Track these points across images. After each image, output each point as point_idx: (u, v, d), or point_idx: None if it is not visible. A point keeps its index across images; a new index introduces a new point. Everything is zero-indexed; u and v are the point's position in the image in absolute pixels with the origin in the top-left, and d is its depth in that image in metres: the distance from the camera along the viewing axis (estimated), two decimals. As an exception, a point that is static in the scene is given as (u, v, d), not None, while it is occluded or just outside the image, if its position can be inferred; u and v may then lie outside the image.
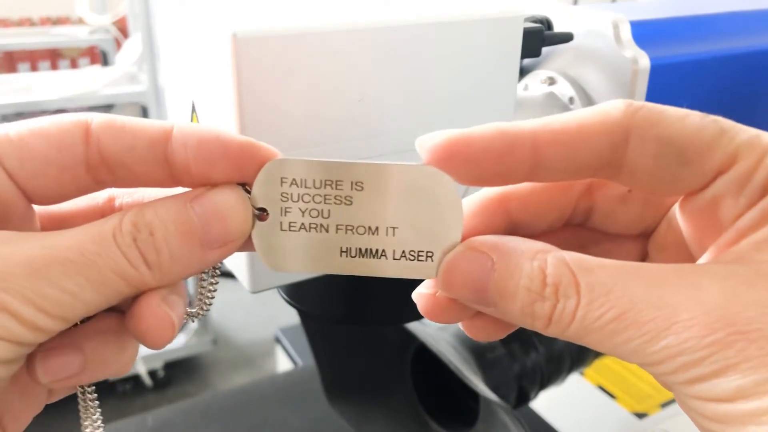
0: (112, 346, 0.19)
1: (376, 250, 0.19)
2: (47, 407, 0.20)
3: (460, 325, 0.20)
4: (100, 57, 2.81)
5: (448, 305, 0.19)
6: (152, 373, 1.58)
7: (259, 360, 1.72)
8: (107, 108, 2.88)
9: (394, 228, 0.19)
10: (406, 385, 0.52)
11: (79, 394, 0.20)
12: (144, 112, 1.83)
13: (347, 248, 0.19)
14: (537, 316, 0.17)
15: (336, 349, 0.52)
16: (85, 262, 0.16)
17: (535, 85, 0.35)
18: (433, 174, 0.18)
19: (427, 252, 0.19)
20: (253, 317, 1.86)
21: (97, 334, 0.19)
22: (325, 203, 0.18)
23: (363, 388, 0.53)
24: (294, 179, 0.18)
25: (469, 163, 0.17)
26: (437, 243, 0.19)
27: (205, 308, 0.21)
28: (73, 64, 3.03)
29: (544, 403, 0.63)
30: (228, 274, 0.29)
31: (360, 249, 0.19)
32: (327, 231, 0.19)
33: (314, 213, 0.19)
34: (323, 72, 0.24)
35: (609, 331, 0.16)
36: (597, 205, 0.20)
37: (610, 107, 0.17)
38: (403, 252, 0.19)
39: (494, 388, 0.46)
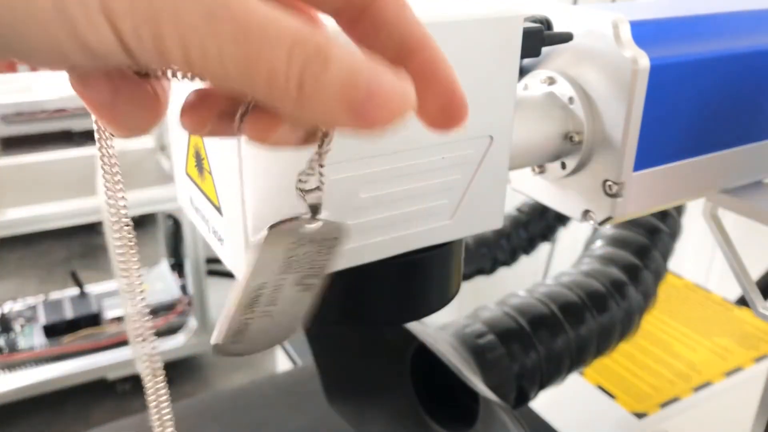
0: (142, 98, 0.19)
1: None
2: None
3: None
4: (99, 57, 2.80)
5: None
6: (152, 373, 1.58)
7: (259, 360, 1.71)
8: (107, 108, 2.87)
9: None
10: (406, 385, 0.52)
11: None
12: (144, 112, 1.83)
13: None
14: None
15: (336, 349, 0.52)
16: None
17: (535, 84, 0.35)
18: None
19: None
20: (253, 317, 1.86)
21: (135, 85, 0.18)
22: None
23: (363, 388, 0.53)
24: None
25: None
26: None
27: (321, 182, 0.20)
28: (73, 64, 3.03)
29: (544, 403, 0.63)
30: (228, 274, 0.29)
31: None
32: None
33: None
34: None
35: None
36: None
37: None
38: None
39: (494, 388, 0.46)
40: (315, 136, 0.19)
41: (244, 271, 0.21)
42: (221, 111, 0.19)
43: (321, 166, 0.20)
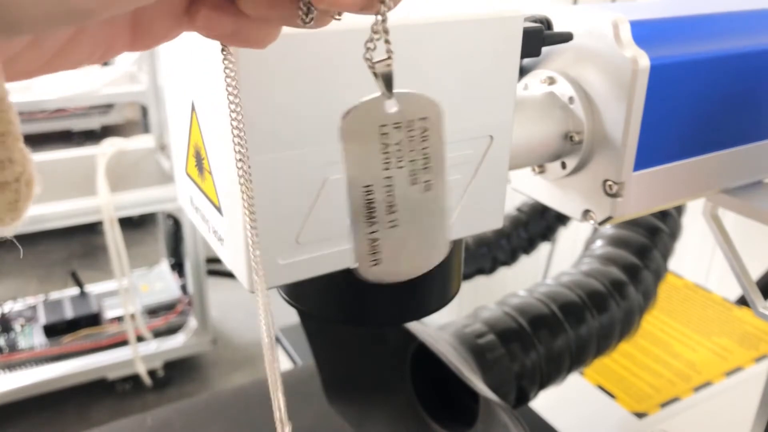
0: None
1: None
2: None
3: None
4: (99, 57, 2.80)
5: None
6: (152, 373, 1.58)
7: (259, 360, 1.71)
8: (107, 108, 2.88)
9: None
10: (406, 385, 0.52)
11: None
12: (144, 112, 1.83)
13: None
14: None
15: (336, 349, 0.52)
16: None
17: (535, 84, 0.35)
18: None
19: None
20: (253, 317, 1.86)
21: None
22: None
23: (363, 388, 0.53)
24: None
25: None
26: None
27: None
28: (73, 64, 3.02)
29: (544, 403, 0.63)
30: (228, 274, 0.29)
31: None
32: None
33: None
34: (323, 72, 0.24)
35: None
36: None
37: None
38: None
39: (494, 388, 0.46)
40: None
41: (344, 173, 0.19)
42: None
43: (386, 31, 0.18)
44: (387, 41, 0.19)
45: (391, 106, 0.19)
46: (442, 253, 0.21)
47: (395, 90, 0.19)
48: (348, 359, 0.53)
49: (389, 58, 0.19)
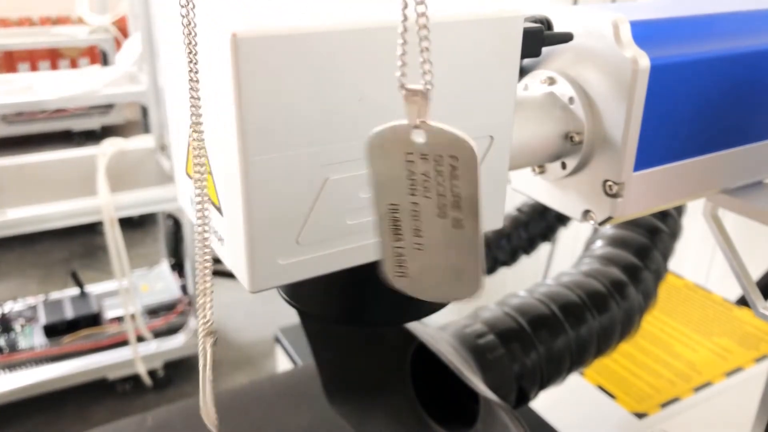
0: None
1: None
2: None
3: None
4: (100, 57, 2.81)
5: None
6: (152, 373, 1.58)
7: (259, 360, 1.71)
8: (107, 108, 2.89)
9: None
10: (406, 385, 0.52)
11: None
12: (144, 112, 1.83)
13: None
14: None
15: (336, 349, 0.52)
16: None
17: (535, 85, 0.35)
18: None
19: None
20: (253, 317, 1.86)
21: None
22: None
23: (363, 388, 0.53)
24: None
25: None
26: None
27: None
28: (73, 64, 3.03)
29: (544, 403, 0.63)
30: (228, 274, 0.29)
31: None
32: None
33: None
34: (323, 72, 0.24)
35: None
36: None
37: None
38: None
39: (494, 388, 0.46)
40: None
41: (370, 183, 0.19)
42: None
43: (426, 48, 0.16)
44: (427, 68, 0.17)
45: (419, 136, 0.18)
46: (471, 290, 0.21)
47: (427, 121, 0.18)
48: (348, 359, 0.53)
49: (430, 83, 0.17)
